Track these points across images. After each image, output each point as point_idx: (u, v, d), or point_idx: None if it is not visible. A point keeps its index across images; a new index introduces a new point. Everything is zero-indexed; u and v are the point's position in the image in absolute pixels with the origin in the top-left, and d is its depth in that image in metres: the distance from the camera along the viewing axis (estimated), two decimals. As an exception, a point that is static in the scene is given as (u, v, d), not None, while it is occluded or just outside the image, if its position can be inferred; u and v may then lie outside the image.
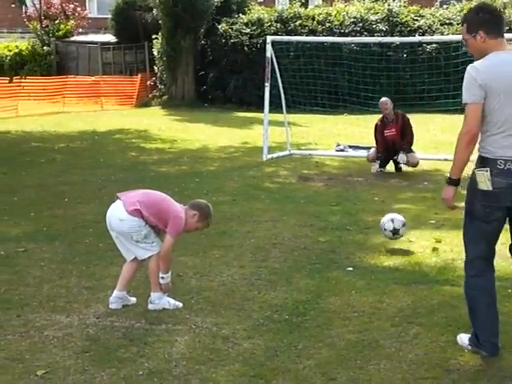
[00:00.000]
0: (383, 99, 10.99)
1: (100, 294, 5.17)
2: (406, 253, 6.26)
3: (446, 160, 11.88)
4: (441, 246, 6.41)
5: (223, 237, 6.92)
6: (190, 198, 8.83)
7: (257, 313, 4.82)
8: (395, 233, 6.47)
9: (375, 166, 10.91)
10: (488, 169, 3.95)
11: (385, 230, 6.50)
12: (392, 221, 6.48)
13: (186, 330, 4.47)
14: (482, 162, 4.00)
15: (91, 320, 4.66)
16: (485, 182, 3.94)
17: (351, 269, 5.79)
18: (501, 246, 6.39)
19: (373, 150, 11.18)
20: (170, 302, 4.86)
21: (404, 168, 11.14)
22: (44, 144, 14.63)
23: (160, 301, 4.84)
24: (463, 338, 4.26)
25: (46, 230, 7.21)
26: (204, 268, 5.85)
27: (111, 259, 6.06)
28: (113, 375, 3.84)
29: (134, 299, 4.94)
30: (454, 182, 4.08)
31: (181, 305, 4.89)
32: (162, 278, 4.81)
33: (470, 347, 4.19)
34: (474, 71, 3.93)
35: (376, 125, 11.00)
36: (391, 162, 11.04)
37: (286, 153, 12.97)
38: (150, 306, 4.85)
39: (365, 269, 5.81)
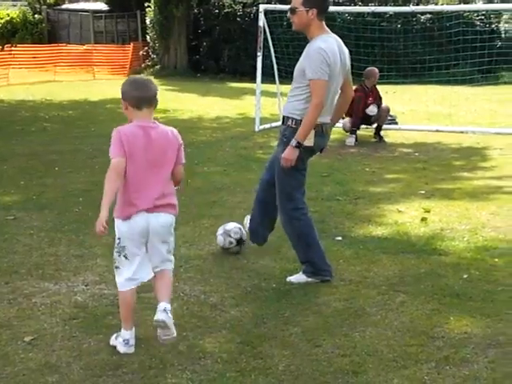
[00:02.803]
0: (375, 69, 10.97)
1: (89, 262, 5.18)
2: (395, 223, 6.28)
3: (437, 131, 11.94)
4: (430, 216, 6.43)
5: (213, 206, 6.93)
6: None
7: (245, 281, 4.84)
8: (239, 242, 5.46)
9: (351, 139, 10.78)
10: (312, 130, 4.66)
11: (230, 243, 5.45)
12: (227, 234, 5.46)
13: (174, 298, 4.46)
14: None
15: (80, 287, 4.68)
16: (310, 139, 4.66)
17: (340, 238, 5.82)
18: (489, 217, 6.48)
19: (347, 119, 10.88)
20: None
21: (394, 139, 11.17)
22: (35, 113, 14.54)
23: None
24: (298, 278, 4.83)
25: (36, 198, 7.20)
26: (193, 237, 5.87)
27: (101, 228, 6.06)
28: (100, 342, 3.86)
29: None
30: (300, 145, 4.64)
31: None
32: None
33: (309, 279, 4.80)
34: (324, 53, 4.55)
35: (360, 97, 10.54)
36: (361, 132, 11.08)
37: (279, 123, 12.90)
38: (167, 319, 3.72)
39: (353, 238, 5.83)
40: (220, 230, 5.51)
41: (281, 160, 4.69)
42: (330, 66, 4.56)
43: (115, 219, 3.70)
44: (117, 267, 3.76)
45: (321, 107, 4.57)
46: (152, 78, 23.80)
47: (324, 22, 4.74)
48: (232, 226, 5.52)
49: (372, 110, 10.80)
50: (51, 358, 3.67)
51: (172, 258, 3.91)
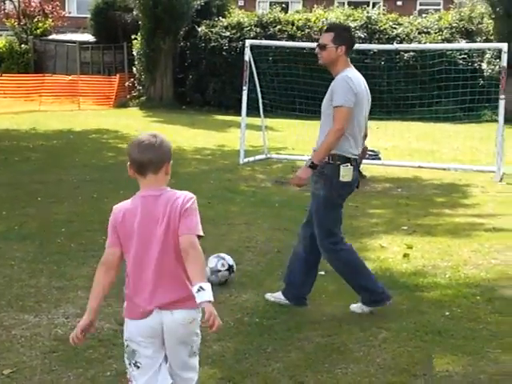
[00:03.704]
0: None
1: (70, 294, 5.14)
2: (378, 258, 6.30)
3: (420, 167, 12.05)
4: (412, 252, 6.46)
5: (197, 239, 6.90)
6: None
7: (227, 315, 4.81)
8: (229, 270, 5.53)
9: None
10: (349, 164, 4.69)
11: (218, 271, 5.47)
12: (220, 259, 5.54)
13: (155, 332, 4.45)
14: (341, 159, 4.69)
15: (60, 320, 4.63)
16: (348, 175, 4.70)
17: (323, 273, 5.79)
18: (471, 254, 6.52)
19: None
20: None
21: (377, 175, 11.25)
22: (19, 142, 14.49)
23: None
24: (359, 307, 4.91)
25: (18, 228, 7.14)
26: (176, 270, 5.83)
27: (83, 259, 6.03)
28: (80, 376, 3.82)
29: None
30: (315, 166, 4.67)
31: None
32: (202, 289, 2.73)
33: (370, 308, 4.87)
34: (350, 81, 4.67)
35: None
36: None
37: (263, 156, 13.00)
38: None
39: (337, 273, 5.82)
40: (213, 255, 5.55)
41: (294, 179, 4.76)
42: (356, 95, 4.65)
43: (124, 318, 2.97)
44: (130, 381, 2.98)
45: (341, 134, 4.61)
46: (137, 109, 23.92)
47: (349, 58, 4.86)
48: (226, 255, 5.65)
49: None
50: (30, 392, 3.62)
51: (196, 364, 3.03)
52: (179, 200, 2.85)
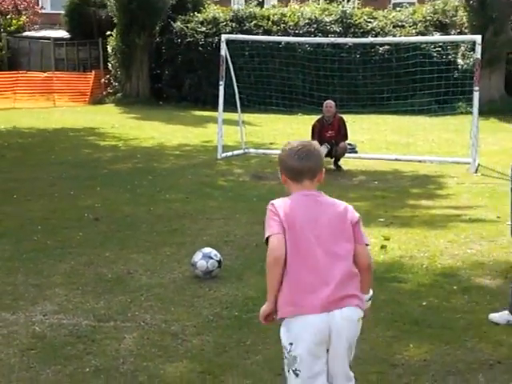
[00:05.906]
0: (329, 101, 11.36)
1: (47, 292, 5.10)
2: (356, 250, 6.33)
3: (396, 160, 12.12)
4: (389, 244, 6.50)
5: (175, 234, 6.90)
6: (143, 196, 8.90)
7: (207, 309, 4.83)
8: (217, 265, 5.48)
9: None
10: None
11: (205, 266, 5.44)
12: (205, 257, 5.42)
13: (134, 327, 4.45)
14: None
15: (38, 317, 4.60)
16: None
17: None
18: (447, 244, 6.58)
19: None
20: None
21: (354, 167, 11.32)
22: (-7, 140, 14.35)
23: None
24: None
25: (-6, 227, 7.08)
26: (155, 265, 5.83)
27: (59, 257, 5.99)
28: (58, 372, 3.80)
29: None
30: None
31: None
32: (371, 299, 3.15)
33: None
34: None
35: (314, 126, 11.23)
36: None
37: (241, 151, 13.01)
38: None
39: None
40: (197, 256, 5.45)
41: None
42: None
43: (281, 322, 2.92)
44: None
45: None
46: (113, 105, 23.77)
47: None
48: (208, 249, 5.56)
49: (322, 150, 11.03)
50: (8, 389, 3.60)
51: (352, 375, 2.97)
52: (347, 207, 3.01)
